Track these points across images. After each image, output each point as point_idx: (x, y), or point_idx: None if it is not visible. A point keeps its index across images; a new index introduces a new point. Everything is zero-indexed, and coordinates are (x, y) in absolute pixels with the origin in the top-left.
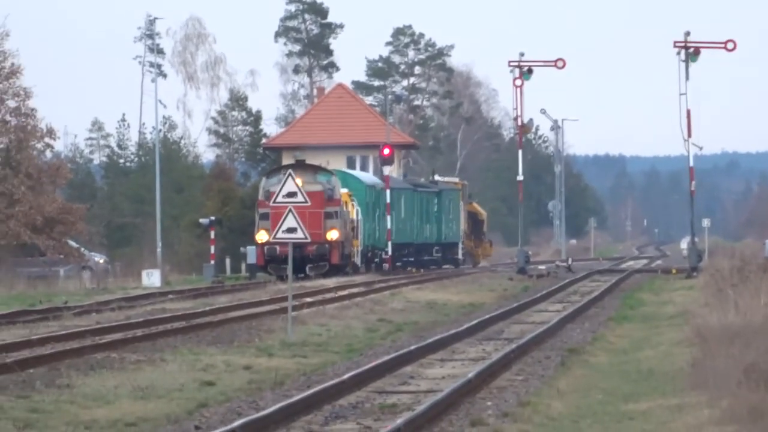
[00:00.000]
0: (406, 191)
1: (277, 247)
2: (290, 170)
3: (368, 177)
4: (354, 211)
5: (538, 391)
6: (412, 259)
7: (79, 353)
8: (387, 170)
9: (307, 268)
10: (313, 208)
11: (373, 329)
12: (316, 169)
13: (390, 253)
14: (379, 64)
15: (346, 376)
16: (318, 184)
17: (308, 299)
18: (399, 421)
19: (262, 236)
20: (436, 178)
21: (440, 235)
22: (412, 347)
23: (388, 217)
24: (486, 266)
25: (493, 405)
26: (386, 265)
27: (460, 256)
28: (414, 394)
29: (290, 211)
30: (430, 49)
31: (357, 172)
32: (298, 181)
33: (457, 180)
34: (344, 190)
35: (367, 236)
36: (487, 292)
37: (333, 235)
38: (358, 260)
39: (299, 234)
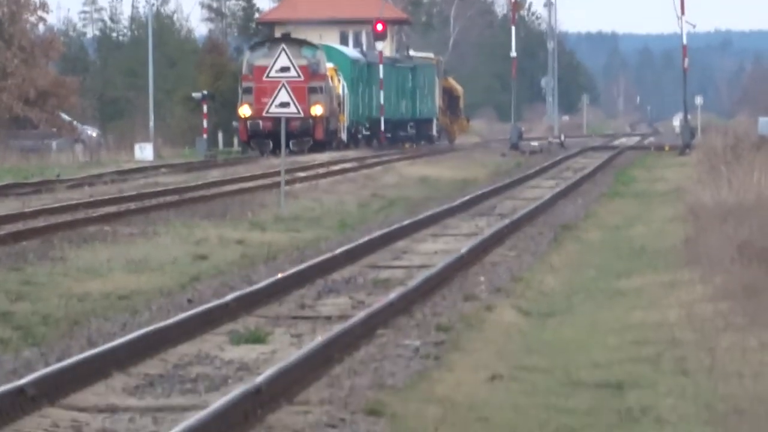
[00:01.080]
0: (385, 66)
1: (260, 122)
2: (283, 44)
3: (352, 51)
4: (340, 86)
5: (530, 267)
6: (389, 135)
7: (72, 226)
8: (380, 46)
9: (290, 144)
10: (297, 83)
11: (365, 204)
12: (301, 43)
13: (383, 128)
14: None
15: (338, 251)
16: (303, 58)
17: (301, 174)
18: (392, 295)
19: (245, 110)
20: (411, 53)
21: (415, 111)
22: (405, 222)
23: (381, 92)
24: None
25: (485, 280)
26: (378, 141)
27: (434, 132)
28: (407, 269)
29: (283, 85)
30: None
31: (342, 47)
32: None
33: (431, 55)
34: (330, 65)
35: (352, 111)
36: (480, 168)
37: (317, 110)
38: (344, 136)
39: (292, 109)
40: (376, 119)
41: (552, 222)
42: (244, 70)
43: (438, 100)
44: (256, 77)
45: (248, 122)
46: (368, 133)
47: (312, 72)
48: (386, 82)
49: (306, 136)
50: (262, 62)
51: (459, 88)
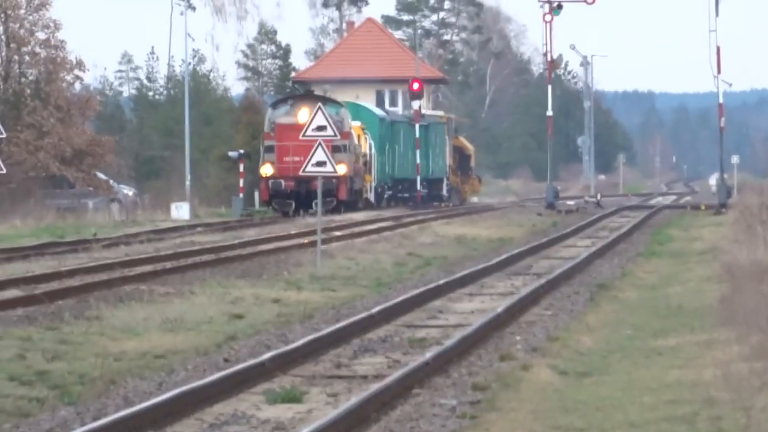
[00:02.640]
0: (403, 124)
1: (282, 182)
2: (320, 103)
3: (379, 110)
4: (366, 145)
5: (567, 326)
6: (407, 195)
7: (108, 285)
8: (416, 105)
9: (313, 204)
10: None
11: (401, 263)
12: (324, 101)
13: (419, 187)
14: None
15: (374, 310)
16: None
17: (337, 233)
18: (428, 354)
19: (266, 170)
20: (422, 111)
21: (427, 170)
22: (441, 281)
23: (418, 152)
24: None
25: (522, 339)
26: (415, 201)
27: (444, 192)
28: (443, 328)
29: (320, 144)
30: None
31: (369, 105)
32: (305, 111)
33: (442, 114)
34: (357, 123)
35: (379, 170)
36: (516, 227)
37: (341, 169)
38: (371, 196)
39: (329, 167)
40: (398, 179)
41: (588, 281)
42: (266, 128)
43: (448, 159)
44: (278, 135)
45: (270, 182)
46: (391, 192)
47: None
48: (405, 141)
49: (329, 196)
50: (284, 120)
51: (470, 147)
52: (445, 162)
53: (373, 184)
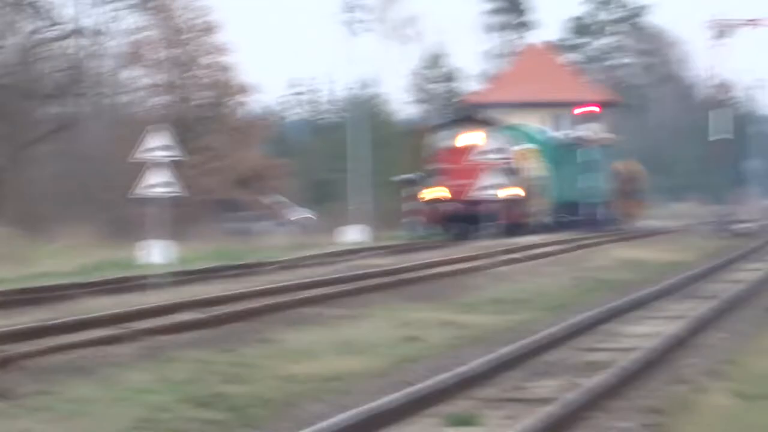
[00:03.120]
0: (570, 147)
1: (447, 205)
2: (487, 127)
3: (552, 132)
4: (538, 168)
5: (742, 349)
6: (576, 218)
7: (283, 307)
8: (587, 128)
9: (479, 227)
10: (485, 164)
11: (575, 286)
12: (487, 123)
13: (586, 211)
14: (578, 22)
15: (550, 332)
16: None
17: (511, 255)
18: (604, 377)
19: (430, 193)
20: (581, 133)
21: (593, 193)
22: (615, 303)
23: (587, 174)
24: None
25: (697, 362)
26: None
27: (610, 215)
28: (618, 351)
29: (488, 167)
30: (627, 7)
31: (538, 127)
32: (467, 134)
33: (605, 136)
34: (527, 146)
35: (552, 194)
36: (689, 250)
37: (511, 192)
38: (546, 218)
39: (496, 191)
40: (567, 201)
41: (764, 304)
42: (429, 151)
43: (612, 182)
44: (441, 159)
45: (433, 205)
46: (566, 215)
47: None
48: (571, 164)
49: (496, 219)
50: (446, 143)
51: (635, 170)
52: (608, 185)
53: (546, 207)
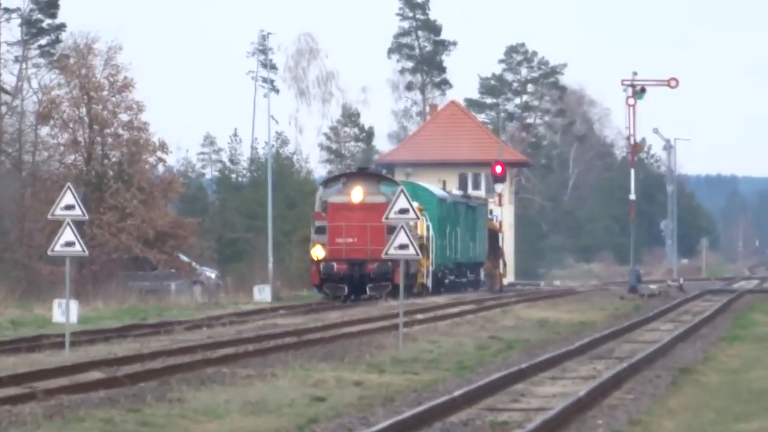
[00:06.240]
0: (463, 206)
1: (335, 264)
2: (402, 188)
3: (439, 190)
4: (424, 227)
5: (648, 410)
6: (455, 279)
7: (190, 367)
8: (499, 188)
9: (367, 288)
10: (374, 221)
11: (484, 346)
12: (380, 179)
13: (501, 271)
14: (492, 82)
15: (457, 393)
16: (381, 195)
17: (419, 315)
18: None
19: (317, 252)
20: (467, 193)
21: (476, 253)
22: (524, 365)
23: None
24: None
25: (603, 423)
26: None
27: (482, 276)
28: (525, 411)
29: (402, 227)
30: (543, 67)
31: (428, 185)
32: (359, 190)
33: (483, 195)
34: (414, 204)
35: (438, 254)
36: (599, 311)
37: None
38: (428, 281)
39: (411, 251)
40: (460, 263)
41: (670, 365)
42: (317, 207)
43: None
44: (331, 215)
45: (321, 264)
46: (454, 276)
47: None
48: (464, 223)
49: (384, 279)
50: (336, 199)
51: (500, 228)
52: (485, 245)
53: (431, 269)
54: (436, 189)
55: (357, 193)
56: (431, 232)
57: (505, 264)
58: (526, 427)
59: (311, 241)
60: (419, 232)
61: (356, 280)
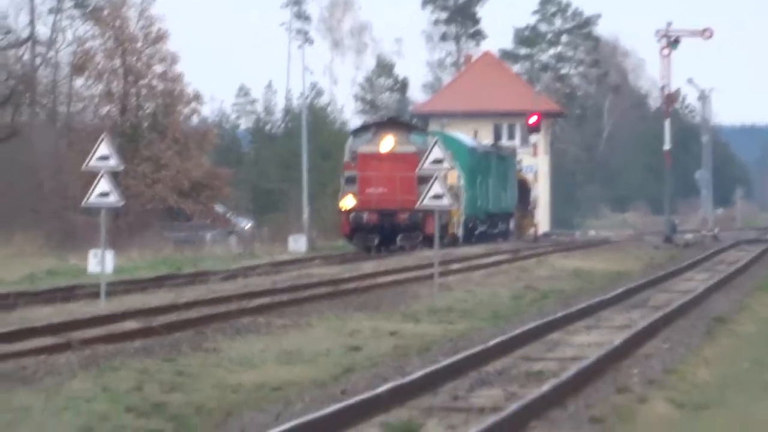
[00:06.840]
0: (494, 156)
1: (365, 215)
2: (435, 138)
3: (470, 140)
4: (455, 177)
5: (683, 359)
6: (487, 230)
7: (225, 317)
8: (534, 139)
9: (398, 239)
10: (404, 171)
11: (519, 296)
12: (410, 128)
13: (536, 222)
14: (526, 33)
15: (491, 343)
16: (411, 144)
17: (455, 265)
18: (545, 387)
19: (347, 202)
20: (498, 143)
21: (508, 204)
22: (558, 314)
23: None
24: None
25: (638, 372)
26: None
27: (512, 227)
28: (560, 360)
29: (437, 177)
30: (577, 17)
31: (459, 135)
32: (389, 140)
33: (517, 145)
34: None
35: (469, 204)
36: (634, 261)
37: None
38: (459, 231)
39: (444, 201)
40: (491, 213)
41: (705, 315)
42: (347, 157)
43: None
44: (361, 165)
45: (351, 215)
46: (485, 227)
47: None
48: (496, 174)
49: (415, 230)
50: (366, 149)
51: (531, 180)
52: (515, 195)
53: (462, 219)
54: (466, 139)
55: (387, 143)
56: (462, 181)
57: (533, 215)
58: (561, 376)
59: (341, 191)
60: (450, 181)
61: (386, 230)
